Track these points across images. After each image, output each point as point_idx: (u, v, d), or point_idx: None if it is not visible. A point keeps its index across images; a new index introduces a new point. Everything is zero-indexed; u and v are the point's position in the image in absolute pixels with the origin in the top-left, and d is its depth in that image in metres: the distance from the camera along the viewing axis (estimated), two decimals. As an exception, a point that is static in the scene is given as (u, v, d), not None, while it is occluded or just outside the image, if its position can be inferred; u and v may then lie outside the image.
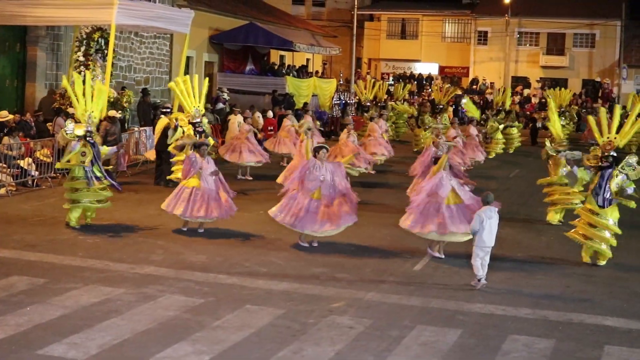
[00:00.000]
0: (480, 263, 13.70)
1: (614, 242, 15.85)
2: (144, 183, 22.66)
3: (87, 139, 17.02)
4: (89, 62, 25.78)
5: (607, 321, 12.38)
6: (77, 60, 25.80)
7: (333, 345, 10.64)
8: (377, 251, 16.21)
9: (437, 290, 13.65)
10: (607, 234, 15.79)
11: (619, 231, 15.90)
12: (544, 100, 51.29)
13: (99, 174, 17.20)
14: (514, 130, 36.48)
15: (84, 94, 17.36)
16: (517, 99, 53.02)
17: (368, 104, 39.80)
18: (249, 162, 24.41)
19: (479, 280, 13.73)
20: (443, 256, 15.67)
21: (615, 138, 17.02)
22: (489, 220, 13.63)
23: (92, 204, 17.06)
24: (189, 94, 21.22)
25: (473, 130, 30.03)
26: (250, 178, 24.33)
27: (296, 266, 14.74)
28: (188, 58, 32.55)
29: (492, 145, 33.37)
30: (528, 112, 50.65)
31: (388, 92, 45.19)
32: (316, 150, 16.52)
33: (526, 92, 57.14)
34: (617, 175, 15.81)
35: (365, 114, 36.57)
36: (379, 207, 20.77)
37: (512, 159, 32.94)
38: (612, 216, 15.86)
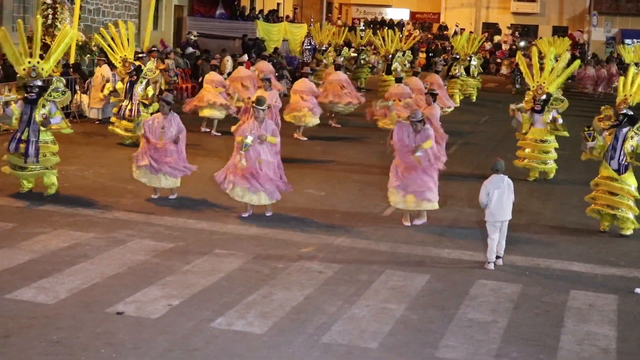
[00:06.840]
0: (495, 243, 12.12)
1: (636, 210, 14.60)
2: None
3: (26, 95, 14.75)
4: (57, 5, 25.39)
5: (574, 266, 12.53)
6: (45, 2, 25.40)
7: (302, 290, 10.70)
8: (346, 198, 16.24)
9: (405, 235, 13.72)
10: (630, 202, 14.49)
11: (638, 196, 14.64)
12: (514, 47, 51.25)
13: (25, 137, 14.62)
14: (472, 81, 35.38)
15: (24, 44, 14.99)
16: (487, 45, 52.86)
17: (323, 47, 38.66)
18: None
19: (489, 263, 12.16)
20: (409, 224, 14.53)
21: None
22: (496, 191, 12.00)
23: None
24: (118, 44, 20.41)
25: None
26: (219, 134, 22.56)
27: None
28: (157, 1, 32.12)
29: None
30: (499, 60, 50.62)
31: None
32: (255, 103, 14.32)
33: (496, 38, 57.03)
34: (632, 137, 14.27)
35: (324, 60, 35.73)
36: (347, 158, 20.70)
37: (477, 109, 32.88)
38: (631, 181, 14.44)
